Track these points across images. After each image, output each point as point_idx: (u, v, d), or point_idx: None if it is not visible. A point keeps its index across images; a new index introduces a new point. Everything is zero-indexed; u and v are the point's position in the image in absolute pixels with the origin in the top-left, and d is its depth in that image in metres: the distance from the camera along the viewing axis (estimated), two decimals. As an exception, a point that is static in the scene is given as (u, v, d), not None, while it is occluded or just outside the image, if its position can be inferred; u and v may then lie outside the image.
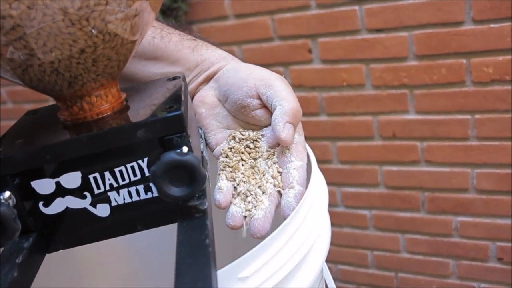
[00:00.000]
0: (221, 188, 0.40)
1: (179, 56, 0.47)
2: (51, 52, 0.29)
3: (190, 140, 0.32)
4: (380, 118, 1.20)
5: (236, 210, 0.39)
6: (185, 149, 0.31)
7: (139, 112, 0.34)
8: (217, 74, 0.46)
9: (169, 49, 0.47)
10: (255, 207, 0.38)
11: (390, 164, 1.25)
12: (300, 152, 0.41)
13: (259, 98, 0.42)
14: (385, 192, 1.29)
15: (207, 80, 0.47)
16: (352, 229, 1.38)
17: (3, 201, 0.30)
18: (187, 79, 0.46)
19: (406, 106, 1.16)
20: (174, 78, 0.41)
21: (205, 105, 0.45)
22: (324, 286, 0.42)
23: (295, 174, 0.40)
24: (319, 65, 1.21)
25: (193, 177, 0.29)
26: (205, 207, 0.32)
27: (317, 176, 0.41)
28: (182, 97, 0.35)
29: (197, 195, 0.31)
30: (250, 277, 0.30)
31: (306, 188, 0.39)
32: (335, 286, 0.46)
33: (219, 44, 0.49)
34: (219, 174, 0.41)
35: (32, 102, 1.71)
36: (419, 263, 1.34)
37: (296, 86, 1.24)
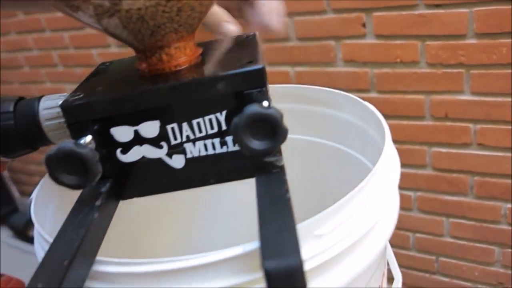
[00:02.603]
0: None
1: None
2: (139, -1, 0.28)
3: (269, 95, 0.32)
4: (433, 97, 1.17)
5: None
6: (265, 103, 0.31)
7: (216, 66, 0.34)
8: None
9: None
10: None
11: (440, 145, 1.22)
12: None
13: None
14: (432, 174, 1.27)
15: None
16: (395, 209, 1.36)
17: (84, 143, 0.30)
18: None
19: (461, 86, 1.13)
20: (247, 36, 0.40)
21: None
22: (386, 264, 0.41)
23: None
24: (372, 40, 1.18)
25: (274, 131, 0.29)
26: (282, 163, 0.31)
27: (391, 150, 0.40)
28: (259, 52, 0.34)
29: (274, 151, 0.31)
30: (326, 235, 0.30)
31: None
32: (398, 269, 0.45)
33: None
34: None
35: (82, 66, 1.74)
36: (462, 248, 1.32)
37: (348, 61, 1.22)
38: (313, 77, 1.29)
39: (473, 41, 1.07)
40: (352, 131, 0.48)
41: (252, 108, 0.28)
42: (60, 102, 0.37)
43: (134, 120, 0.32)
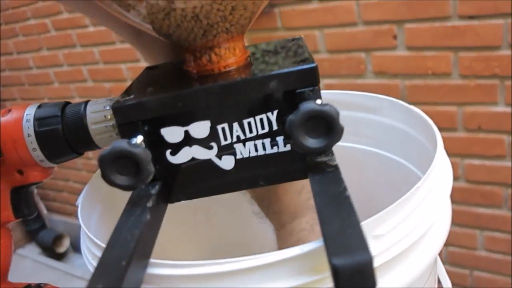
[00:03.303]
0: None
1: None
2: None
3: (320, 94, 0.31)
4: (466, 109, 1.16)
5: None
6: (318, 102, 0.30)
7: (267, 66, 0.33)
8: None
9: None
10: None
11: (473, 157, 1.20)
12: None
13: None
14: (465, 186, 1.24)
15: None
16: (427, 223, 1.34)
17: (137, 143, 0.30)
18: None
19: (495, 98, 1.11)
20: (293, 39, 0.40)
21: None
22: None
23: None
24: (403, 52, 1.17)
25: (330, 128, 0.28)
26: (336, 163, 0.31)
27: (443, 155, 0.39)
28: (308, 53, 0.34)
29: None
30: (384, 235, 0.29)
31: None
32: (447, 277, 0.43)
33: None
34: None
35: (110, 82, 1.76)
36: (497, 262, 1.28)
37: (378, 73, 1.21)
38: (342, 89, 1.27)
39: (507, 52, 1.06)
40: (397, 137, 0.47)
41: (308, 105, 0.28)
42: (107, 105, 0.37)
43: (184, 120, 0.32)
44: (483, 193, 1.22)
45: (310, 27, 1.26)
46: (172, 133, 0.32)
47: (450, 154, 1.25)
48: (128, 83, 1.70)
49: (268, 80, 0.31)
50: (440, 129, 1.25)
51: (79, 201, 0.41)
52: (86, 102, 0.39)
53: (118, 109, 0.31)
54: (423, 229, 0.31)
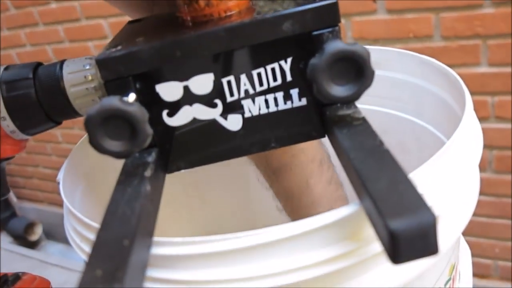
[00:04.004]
0: None
1: None
2: None
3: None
4: (449, 71, 1.13)
5: None
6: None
7: (275, 7, 0.29)
8: None
9: None
10: None
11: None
12: None
13: None
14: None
15: None
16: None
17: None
18: None
19: (477, 59, 1.09)
20: None
21: None
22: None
23: None
24: (384, 15, 1.13)
25: (360, 72, 0.24)
26: (362, 115, 0.27)
27: (472, 120, 0.34)
28: None
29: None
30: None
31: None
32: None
33: None
34: None
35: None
36: (481, 225, 1.28)
37: (358, 39, 1.17)
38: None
39: (490, 10, 1.03)
40: (406, 91, 0.43)
41: (336, 45, 0.23)
42: (87, 64, 0.32)
43: (183, 73, 0.27)
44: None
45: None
46: (169, 90, 0.27)
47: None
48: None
49: (281, 21, 0.26)
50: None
51: (60, 176, 0.36)
52: (62, 62, 0.34)
53: (104, 62, 0.26)
54: (445, 205, 0.27)
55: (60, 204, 1.44)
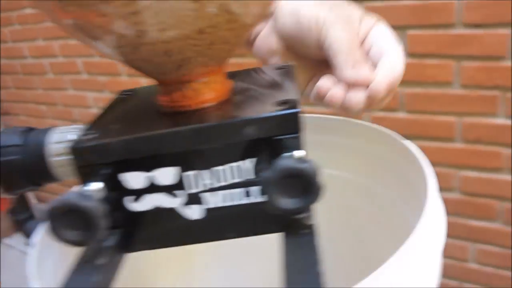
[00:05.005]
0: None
1: None
2: (166, 30, 0.25)
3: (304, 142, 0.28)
4: (465, 119, 1.12)
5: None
6: (302, 152, 0.27)
7: (247, 105, 0.30)
8: (274, 13, 0.39)
9: None
10: None
11: (470, 169, 1.17)
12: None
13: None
14: (460, 198, 1.21)
15: (266, 21, 0.40)
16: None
17: (91, 193, 0.27)
18: None
19: (495, 109, 1.08)
20: (282, 67, 0.37)
21: (276, 54, 0.40)
22: None
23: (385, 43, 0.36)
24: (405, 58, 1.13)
25: (308, 188, 0.25)
26: (313, 222, 0.28)
27: (435, 203, 0.35)
28: (296, 90, 0.31)
29: None
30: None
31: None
32: None
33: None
34: None
35: (105, 75, 1.73)
36: (488, 275, 1.26)
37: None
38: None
39: (510, 63, 1.02)
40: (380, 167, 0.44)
41: (284, 162, 0.25)
42: (70, 135, 0.34)
43: (149, 165, 0.29)
44: (477, 205, 1.20)
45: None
46: (134, 179, 0.29)
47: (446, 165, 1.22)
48: (123, 78, 1.68)
49: (244, 125, 0.27)
50: (438, 139, 1.22)
51: (34, 241, 0.38)
52: (47, 130, 0.36)
53: (76, 150, 0.28)
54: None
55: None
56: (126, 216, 0.30)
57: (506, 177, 1.13)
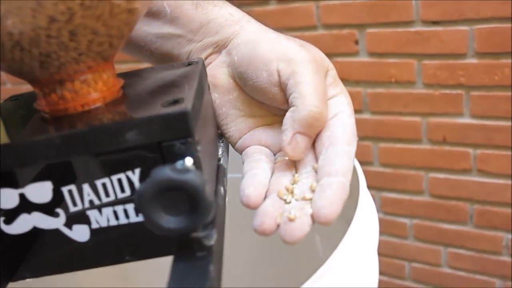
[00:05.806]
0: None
1: (178, 12, 0.37)
2: (6, 19, 0.20)
3: (199, 148, 0.23)
4: (430, 120, 1.09)
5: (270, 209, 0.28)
6: (189, 160, 0.22)
7: (138, 106, 0.26)
8: (229, 44, 0.35)
9: (166, 3, 0.37)
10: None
11: (438, 171, 1.14)
12: (347, 134, 0.30)
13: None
14: (430, 201, 1.18)
15: (217, 51, 0.36)
16: (390, 237, 1.28)
17: None
18: (189, 47, 0.37)
19: (460, 109, 1.05)
20: (190, 63, 0.32)
21: (218, 88, 0.35)
22: None
23: (337, 161, 0.28)
24: (365, 58, 1.10)
25: (194, 204, 0.21)
26: (212, 242, 0.23)
27: (367, 202, 0.32)
28: (195, 88, 0.26)
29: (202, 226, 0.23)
30: None
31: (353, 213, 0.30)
32: None
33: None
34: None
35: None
36: (461, 279, 1.23)
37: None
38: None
39: (473, 60, 1.00)
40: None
41: (162, 173, 0.20)
42: None
43: (18, 180, 0.24)
44: (447, 208, 1.17)
45: (268, 30, 1.18)
46: (3, 197, 0.24)
47: (413, 167, 1.18)
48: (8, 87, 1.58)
49: (124, 129, 0.23)
50: (404, 141, 1.18)
51: None
52: None
53: None
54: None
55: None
56: (3, 240, 0.25)
57: (475, 178, 1.10)
